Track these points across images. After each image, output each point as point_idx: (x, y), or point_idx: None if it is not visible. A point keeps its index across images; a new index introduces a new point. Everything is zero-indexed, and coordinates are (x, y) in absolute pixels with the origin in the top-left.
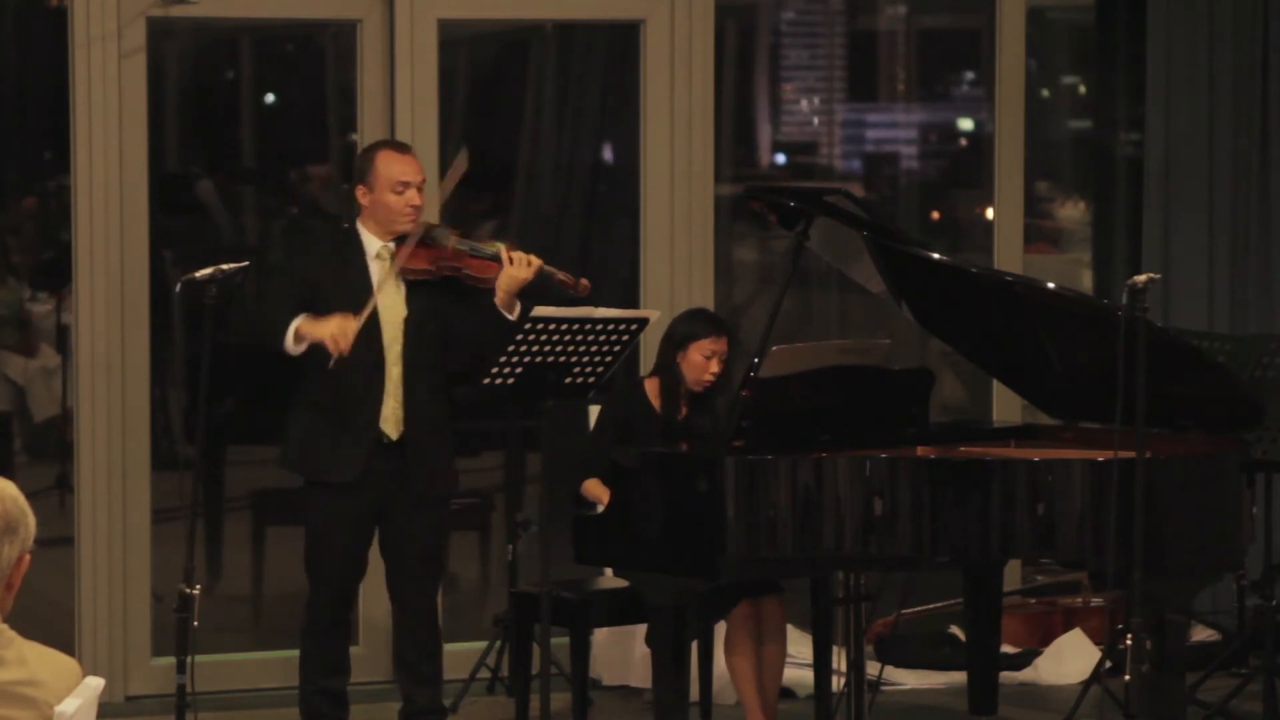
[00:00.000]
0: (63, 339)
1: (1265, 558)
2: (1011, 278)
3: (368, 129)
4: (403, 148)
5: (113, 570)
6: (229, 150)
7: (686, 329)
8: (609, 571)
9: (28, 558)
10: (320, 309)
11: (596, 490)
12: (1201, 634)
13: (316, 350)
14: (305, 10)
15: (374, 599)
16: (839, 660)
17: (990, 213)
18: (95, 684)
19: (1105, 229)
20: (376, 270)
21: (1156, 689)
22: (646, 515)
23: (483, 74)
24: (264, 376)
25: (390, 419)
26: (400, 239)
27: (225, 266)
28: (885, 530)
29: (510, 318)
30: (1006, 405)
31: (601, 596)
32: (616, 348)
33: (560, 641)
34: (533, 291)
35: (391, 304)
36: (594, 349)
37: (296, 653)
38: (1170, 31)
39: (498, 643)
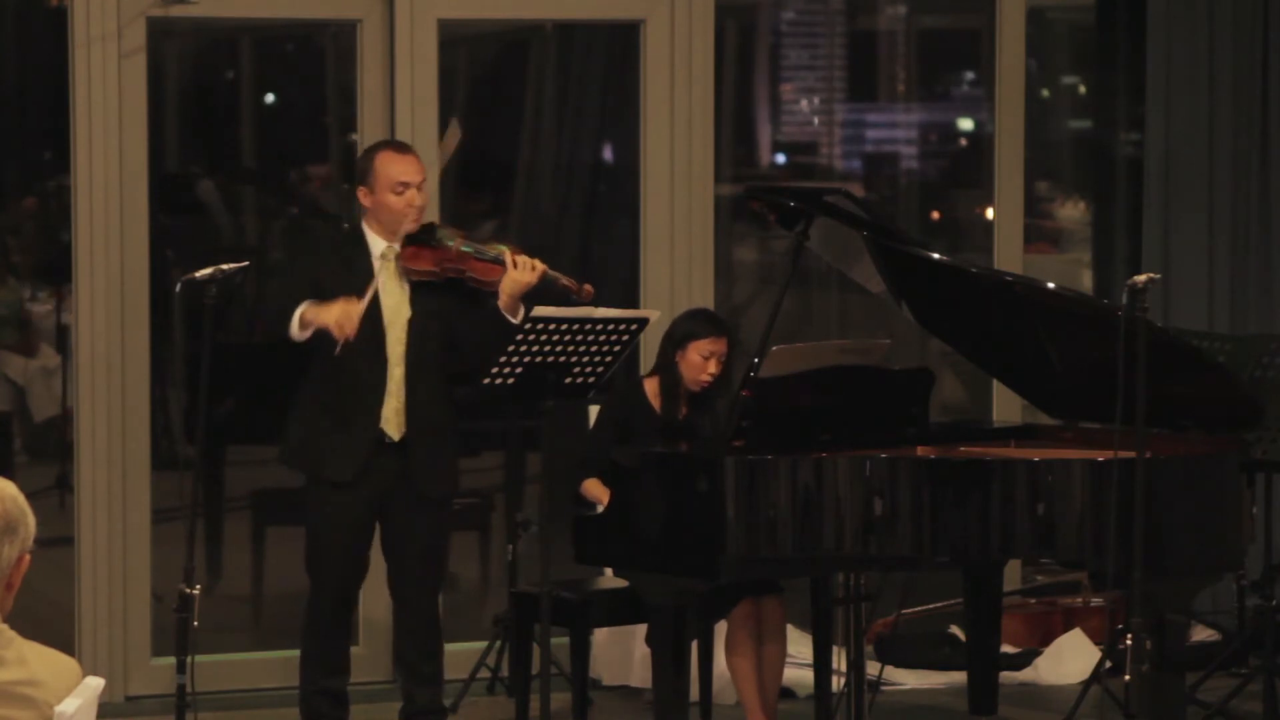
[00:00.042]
0: (63, 339)
1: (1265, 558)
2: (1011, 278)
3: (368, 129)
4: (402, 148)
5: (113, 570)
6: (229, 150)
7: (686, 328)
8: (609, 571)
9: (28, 558)
10: (324, 343)
11: (596, 490)
12: (1201, 634)
13: (321, 344)
14: (305, 10)
15: (374, 599)
16: (839, 660)
17: (990, 213)
18: (95, 684)
19: (1105, 229)
20: (382, 271)
21: (1156, 689)
22: (646, 515)
23: (483, 74)
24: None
25: (392, 419)
26: (406, 239)
27: (225, 266)
28: (885, 530)
29: (513, 321)
30: (1006, 405)
31: (601, 596)
32: (616, 348)
33: (560, 641)
34: (536, 296)
35: (396, 305)
36: (594, 349)
37: (296, 653)
38: (1170, 31)
39: (498, 643)
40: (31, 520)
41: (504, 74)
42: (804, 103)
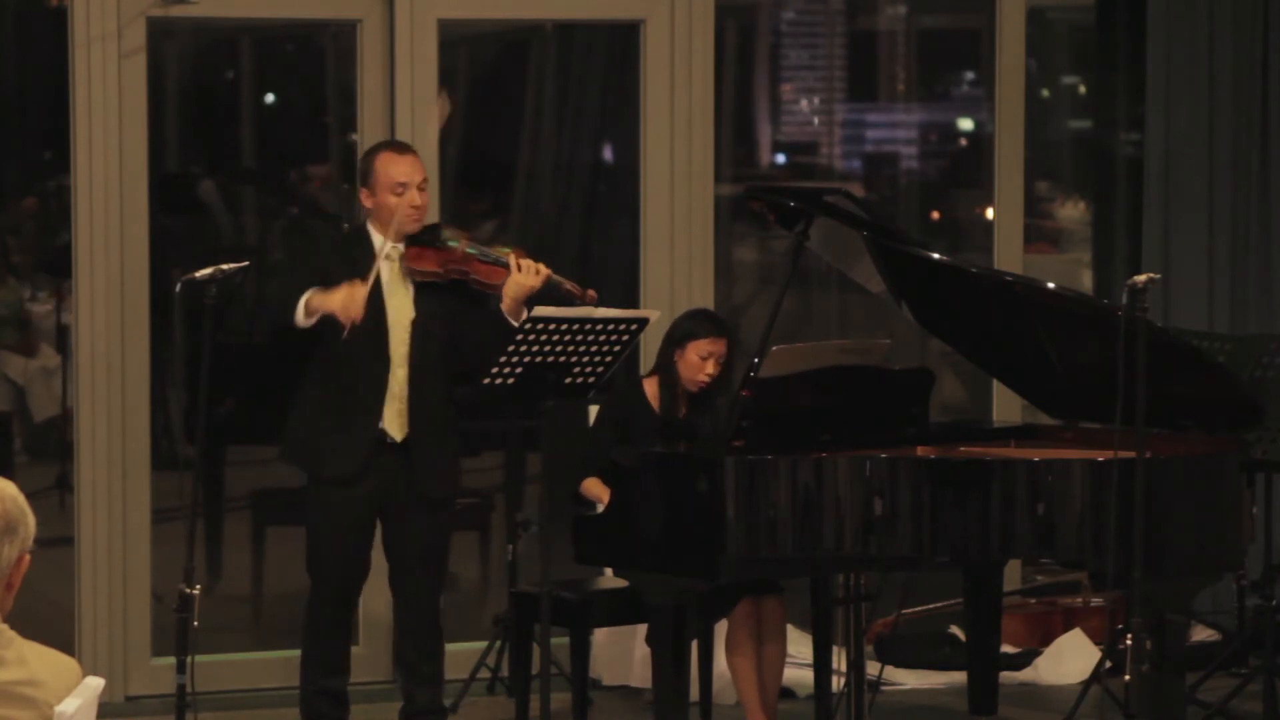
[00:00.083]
0: (63, 339)
1: (1265, 558)
2: (1011, 278)
3: (368, 129)
4: (402, 148)
5: (113, 570)
6: (229, 150)
7: (686, 328)
8: (609, 571)
9: (28, 558)
10: (332, 319)
11: (596, 489)
12: (1201, 634)
13: (326, 336)
14: (305, 10)
15: (374, 599)
16: (839, 660)
17: (990, 213)
18: (95, 684)
19: (1105, 229)
20: (386, 270)
21: (1156, 689)
22: (646, 515)
23: (483, 74)
24: (264, 376)
25: (395, 420)
26: (410, 240)
27: (225, 266)
28: (885, 530)
29: (515, 325)
30: (1006, 405)
31: (601, 596)
32: (616, 348)
33: (560, 641)
34: (539, 300)
35: (399, 305)
36: (594, 349)
37: (296, 653)
38: (1170, 31)
39: (498, 643)
40: (31, 520)
41: (504, 74)
42: (804, 103)
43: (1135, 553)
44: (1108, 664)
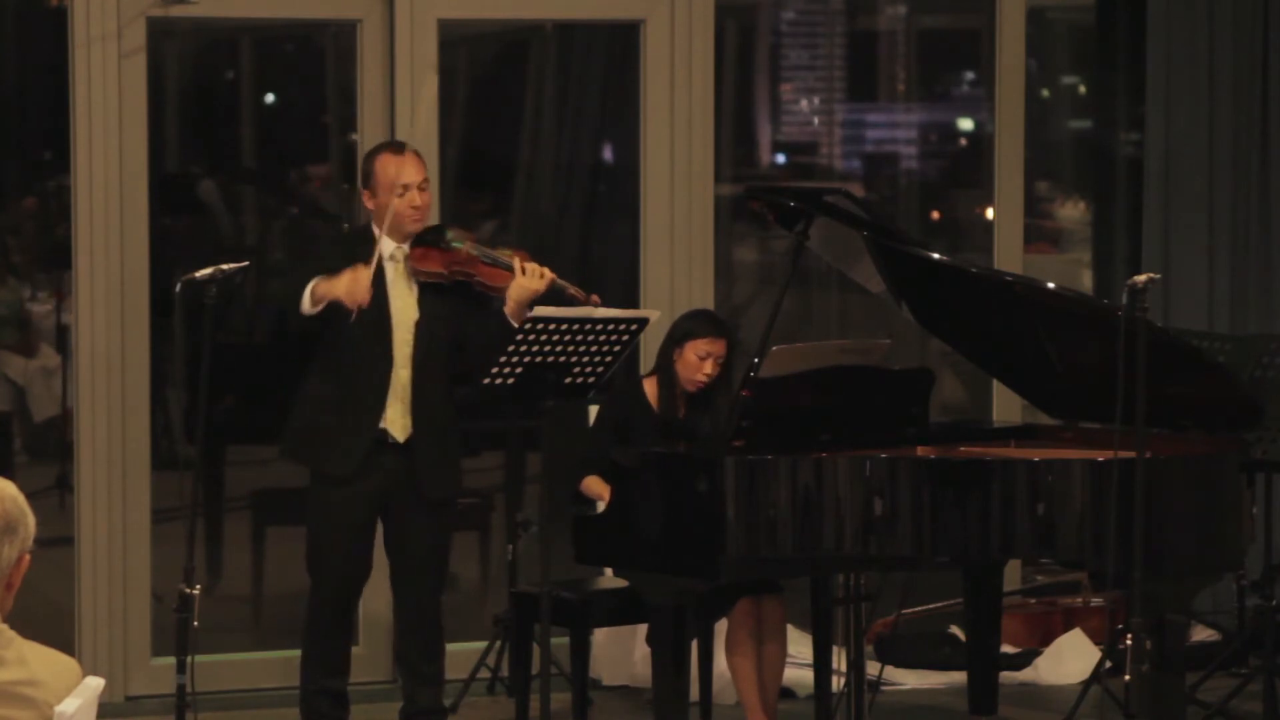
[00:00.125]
0: (63, 339)
1: (1265, 558)
2: (1011, 278)
3: (368, 129)
4: (401, 149)
5: (113, 570)
6: (229, 150)
7: (685, 327)
8: (609, 571)
9: (28, 558)
10: (336, 318)
11: (597, 487)
12: (1201, 634)
13: (331, 328)
14: (305, 10)
15: (374, 599)
16: (839, 660)
17: (990, 213)
18: (95, 684)
19: (1105, 229)
20: (390, 271)
21: (1156, 689)
22: (646, 515)
23: (483, 74)
24: (264, 376)
25: (398, 421)
26: (415, 240)
27: (225, 266)
28: (885, 530)
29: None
30: (1006, 405)
31: (601, 596)
32: (616, 348)
33: (560, 641)
34: (542, 303)
35: (403, 306)
36: (594, 349)
37: (296, 653)
38: (1170, 31)
39: (498, 643)
40: (31, 520)
41: (504, 74)
42: (804, 103)
43: (1135, 553)
44: (1108, 664)
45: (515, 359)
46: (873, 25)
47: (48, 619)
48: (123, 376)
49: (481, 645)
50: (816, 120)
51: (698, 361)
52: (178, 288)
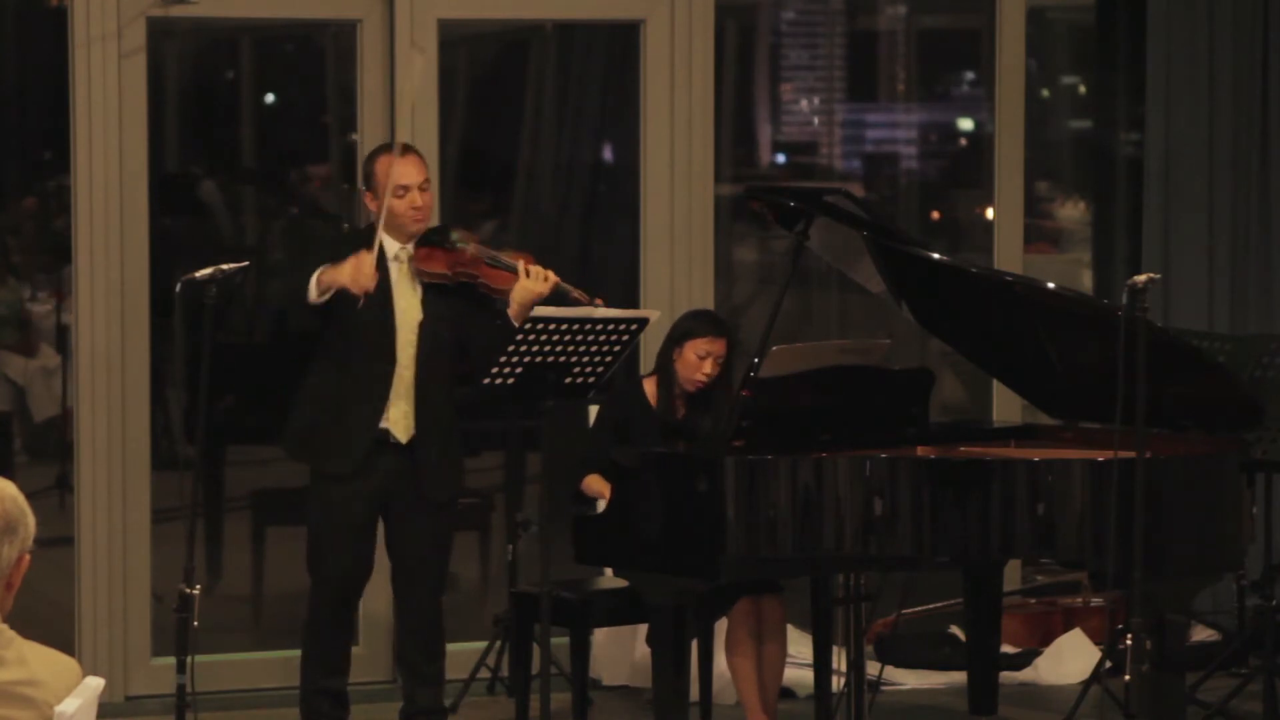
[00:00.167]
0: (63, 339)
1: (1265, 558)
2: (1011, 278)
3: (368, 129)
4: (402, 150)
5: (113, 570)
6: (229, 150)
7: (685, 327)
8: (609, 571)
9: (28, 558)
10: (342, 307)
11: (597, 485)
12: (1201, 634)
13: (335, 315)
14: (305, 10)
15: (374, 599)
16: (839, 660)
17: (990, 213)
18: (95, 684)
19: (1105, 229)
20: (395, 271)
21: (1156, 689)
22: (646, 515)
23: (483, 74)
24: (264, 376)
25: (401, 422)
26: (419, 241)
27: (225, 266)
28: (885, 530)
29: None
30: (1006, 405)
31: (601, 596)
32: (616, 348)
33: (560, 641)
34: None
35: (406, 307)
36: (594, 349)
37: (296, 653)
38: (1170, 31)
39: (498, 643)
40: (31, 520)
41: (504, 74)
42: (804, 103)
43: (1135, 553)
44: (1108, 664)
45: (515, 359)
46: (873, 25)
47: (48, 619)
48: (123, 376)
49: (481, 645)
50: (816, 120)
51: (697, 361)
52: (178, 288)
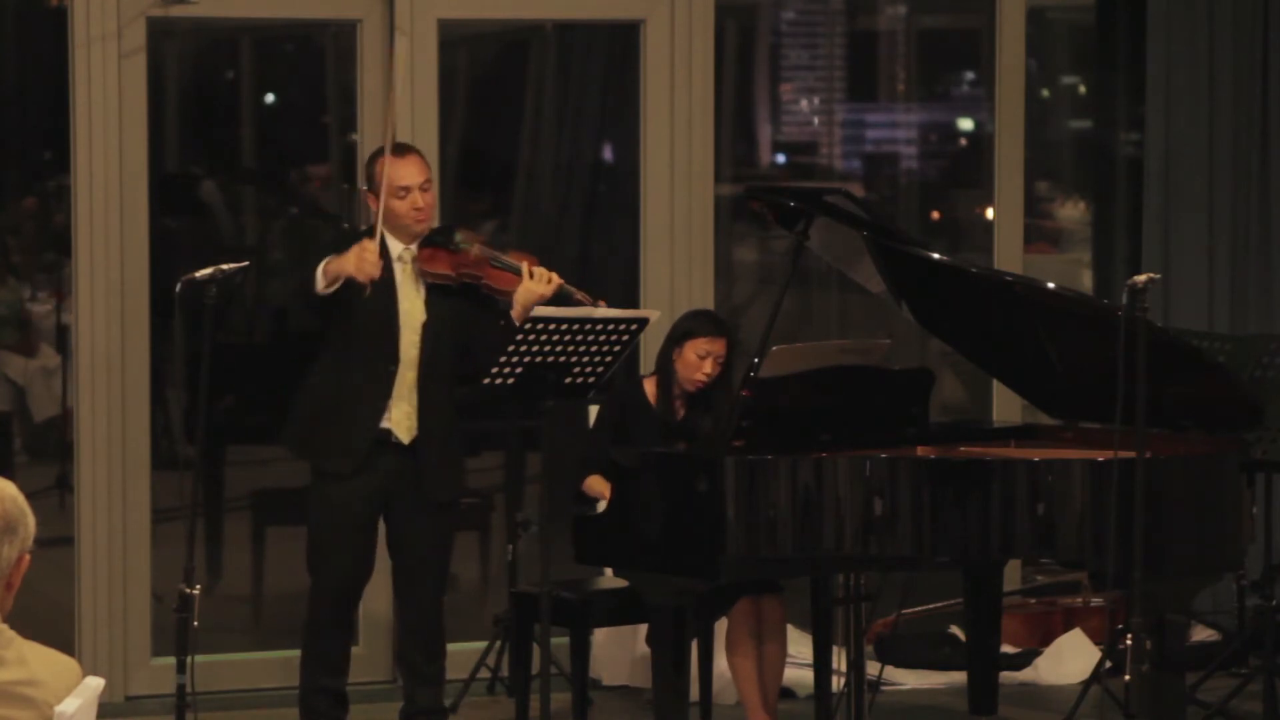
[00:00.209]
0: (63, 339)
1: (1265, 558)
2: (1011, 278)
3: (368, 129)
4: (402, 151)
5: (113, 570)
6: (229, 150)
7: (685, 326)
8: (609, 571)
9: (28, 558)
10: (346, 307)
11: (598, 485)
12: (1201, 634)
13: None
14: (305, 10)
15: (374, 599)
16: (839, 660)
17: (990, 213)
18: (95, 684)
19: (1105, 229)
20: (398, 272)
21: (1156, 689)
22: (646, 515)
23: (483, 74)
24: (264, 377)
25: (403, 423)
26: (423, 241)
27: (225, 266)
28: (885, 530)
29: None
30: (1006, 405)
31: (601, 596)
32: (616, 348)
33: (560, 641)
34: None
35: (410, 308)
36: (594, 349)
37: (296, 653)
38: (1170, 31)
39: (498, 643)
40: (31, 520)
41: (504, 74)
42: (804, 103)
43: (1135, 553)
44: (1108, 664)
45: (515, 359)
46: (873, 25)
47: (48, 619)
48: (123, 376)
49: (481, 645)
50: (816, 120)
51: (697, 361)
52: (178, 288)
